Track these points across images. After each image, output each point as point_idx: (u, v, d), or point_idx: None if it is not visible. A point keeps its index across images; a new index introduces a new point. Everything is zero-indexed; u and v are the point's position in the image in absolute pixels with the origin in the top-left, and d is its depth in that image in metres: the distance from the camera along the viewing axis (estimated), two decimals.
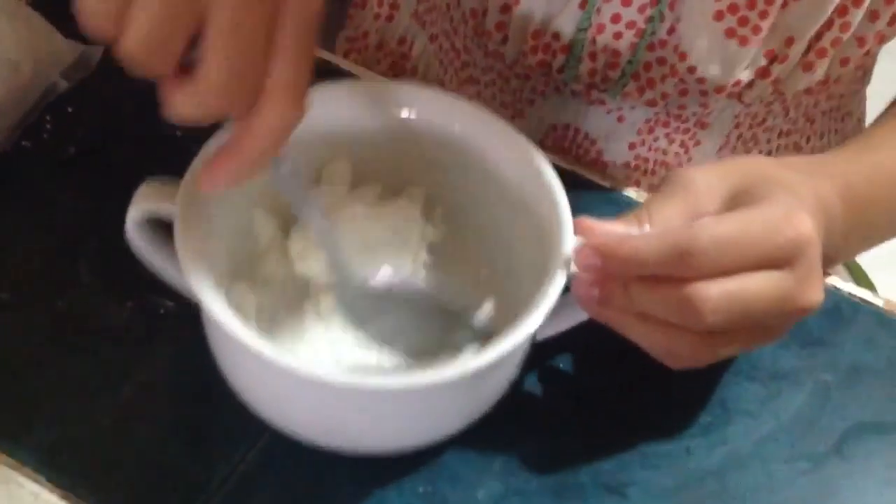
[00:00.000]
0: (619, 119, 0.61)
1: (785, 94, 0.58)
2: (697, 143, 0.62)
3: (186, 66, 0.35)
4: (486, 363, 0.40)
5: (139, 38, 0.33)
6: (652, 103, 0.59)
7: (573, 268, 0.43)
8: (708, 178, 0.44)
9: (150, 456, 0.46)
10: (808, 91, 0.58)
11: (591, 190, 0.58)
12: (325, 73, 0.62)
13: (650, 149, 0.62)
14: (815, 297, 0.42)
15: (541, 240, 0.45)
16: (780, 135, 0.63)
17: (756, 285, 0.41)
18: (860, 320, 0.53)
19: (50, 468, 0.45)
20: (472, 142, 0.49)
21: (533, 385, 0.49)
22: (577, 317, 0.45)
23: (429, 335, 0.48)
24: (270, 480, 0.45)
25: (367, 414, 0.44)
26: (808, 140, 0.64)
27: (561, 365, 0.50)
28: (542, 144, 0.62)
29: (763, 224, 0.41)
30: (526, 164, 0.47)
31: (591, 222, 0.43)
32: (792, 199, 0.43)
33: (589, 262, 0.42)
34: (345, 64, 0.63)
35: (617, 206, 0.57)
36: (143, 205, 0.43)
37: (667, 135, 0.61)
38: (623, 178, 0.63)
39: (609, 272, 0.42)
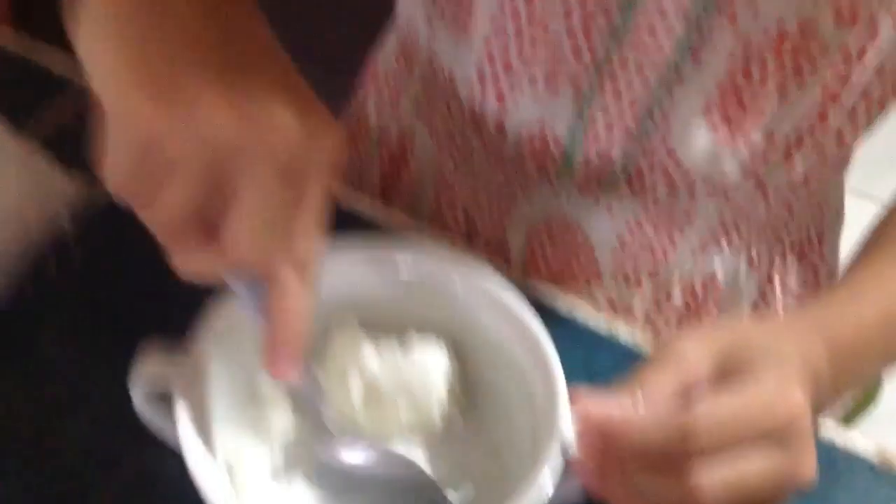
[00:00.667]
0: (609, 210, 0.62)
1: (767, 188, 0.60)
2: (682, 233, 0.63)
3: None
4: None
5: (166, 219, 0.36)
6: (643, 200, 0.60)
7: (572, 444, 0.43)
8: (696, 347, 0.45)
9: None
10: (789, 185, 0.60)
11: (588, 333, 0.59)
12: None
13: (638, 240, 0.64)
14: (809, 471, 0.43)
15: (534, 409, 0.46)
16: (760, 228, 0.64)
17: (755, 469, 0.42)
18: (855, 473, 0.54)
19: None
20: (473, 311, 0.50)
21: None
22: (575, 492, 0.46)
23: None
24: None
25: None
26: (788, 231, 0.66)
27: None
28: (533, 231, 0.65)
29: (757, 401, 0.42)
30: (522, 331, 0.48)
31: (587, 399, 0.44)
32: (781, 369, 0.44)
33: (590, 444, 0.43)
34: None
35: (613, 350, 0.58)
36: (142, 385, 0.44)
37: (655, 227, 0.63)
38: (609, 263, 0.65)
39: (608, 454, 0.43)
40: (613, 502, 0.44)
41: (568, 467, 0.44)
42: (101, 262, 0.59)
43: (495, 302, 0.49)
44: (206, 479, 0.41)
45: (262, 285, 0.40)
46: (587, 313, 0.60)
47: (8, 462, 0.50)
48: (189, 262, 0.37)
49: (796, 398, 0.43)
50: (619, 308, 0.67)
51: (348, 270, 0.49)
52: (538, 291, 0.60)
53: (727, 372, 0.44)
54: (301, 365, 0.41)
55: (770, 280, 0.68)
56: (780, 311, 0.69)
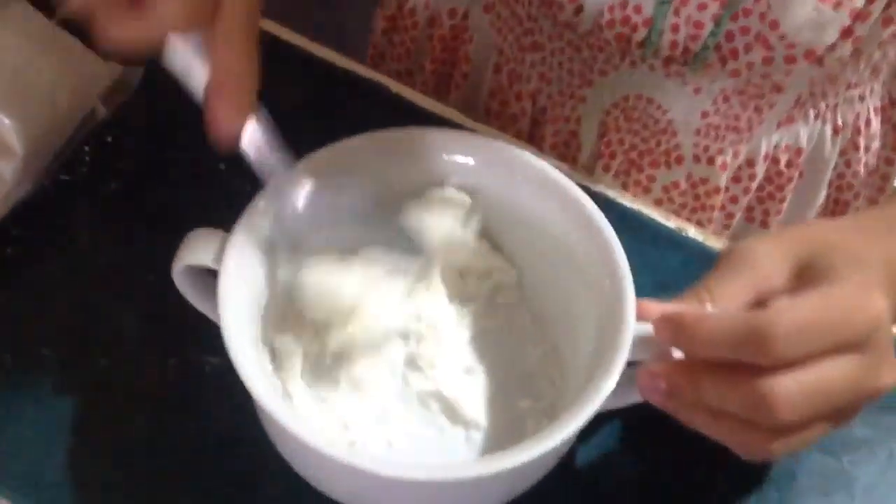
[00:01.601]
0: (696, 91, 0.59)
1: (861, 51, 0.57)
2: (772, 106, 0.61)
3: None
4: (543, 451, 0.38)
5: None
6: (735, 74, 0.57)
7: (636, 349, 0.41)
8: (770, 251, 0.42)
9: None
10: (879, 44, 0.58)
11: (652, 230, 0.55)
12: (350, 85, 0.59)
13: (723, 115, 0.61)
14: (889, 379, 0.40)
15: (600, 316, 0.43)
16: (847, 87, 0.62)
17: (833, 376, 0.39)
18: None
19: None
20: (530, 202, 0.46)
21: (581, 456, 0.47)
22: (636, 397, 0.43)
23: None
24: None
25: (416, 495, 0.42)
26: (871, 90, 0.64)
27: (613, 437, 0.48)
28: (608, 115, 0.62)
29: (837, 308, 0.39)
30: (589, 232, 0.45)
31: (654, 304, 0.41)
32: (861, 273, 0.40)
33: (664, 338, 0.40)
34: (381, 78, 0.59)
35: (678, 248, 0.54)
36: (188, 257, 0.43)
37: (741, 102, 0.60)
38: (691, 144, 0.62)
39: (677, 361, 0.40)
40: (679, 417, 0.41)
41: (631, 375, 0.41)
42: (137, 150, 0.56)
43: (557, 194, 0.46)
44: (245, 361, 0.40)
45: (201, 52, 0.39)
46: (657, 213, 0.56)
47: (49, 358, 0.48)
48: (121, 30, 0.36)
49: (878, 305, 0.39)
50: (700, 188, 0.64)
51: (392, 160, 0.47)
52: (605, 188, 0.56)
53: (805, 279, 0.41)
54: (246, 118, 0.40)
55: (855, 145, 0.64)
56: (862, 174, 0.66)
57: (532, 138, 0.65)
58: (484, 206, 0.48)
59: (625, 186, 0.65)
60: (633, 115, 0.62)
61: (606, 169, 0.64)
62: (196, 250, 0.43)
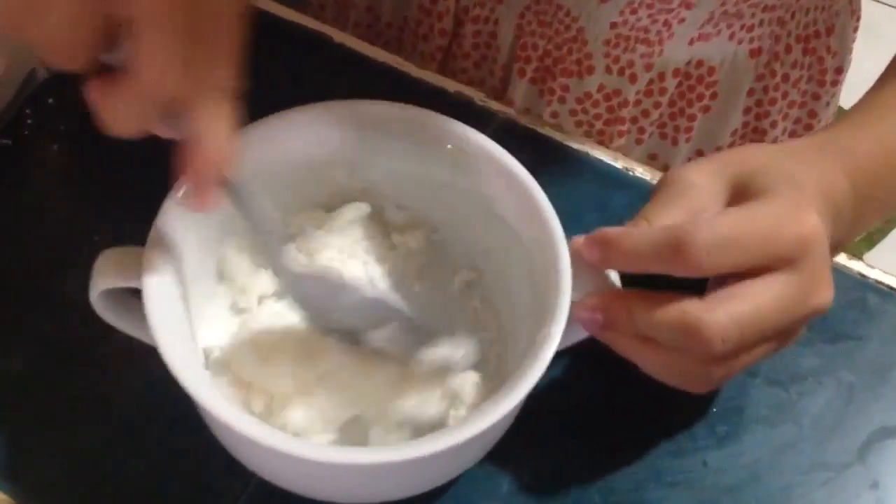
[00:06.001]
0: (603, 0, 0.59)
1: None
2: (682, 21, 0.60)
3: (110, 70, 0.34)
4: (486, 426, 0.37)
5: (49, 32, 0.32)
6: None
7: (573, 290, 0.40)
8: (704, 176, 0.42)
9: (145, 486, 0.44)
10: None
11: (598, 171, 0.55)
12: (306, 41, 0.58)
13: (632, 27, 0.61)
14: (825, 296, 0.40)
15: (533, 267, 0.43)
16: (764, 9, 0.61)
17: (764, 301, 0.39)
18: (888, 311, 0.51)
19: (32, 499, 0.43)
20: (449, 170, 0.46)
21: (539, 400, 0.47)
22: (578, 335, 0.43)
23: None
24: None
25: (361, 479, 0.41)
26: (792, 16, 0.63)
27: (566, 376, 0.48)
28: (523, 18, 0.63)
29: (766, 220, 0.39)
30: (510, 186, 0.44)
31: (580, 237, 0.42)
32: (795, 192, 0.40)
33: (592, 258, 0.41)
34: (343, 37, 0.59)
35: (625, 188, 0.54)
36: (104, 281, 0.40)
37: (650, 15, 0.59)
38: (601, 55, 0.63)
39: (612, 291, 0.41)
40: (619, 350, 0.41)
41: (570, 315, 0.41)
42: (79, 111, 0.55)
43: (477, 155, 0.45)
44: (182, 367, 0.38)
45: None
46: (603, 153, 0.56)
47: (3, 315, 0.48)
48: (107, 114, 0.35)
49: (810, 220, 0.39)
50: (614, 100, 0.64)
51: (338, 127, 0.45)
52: (550, 131, 0.56)
53: (739, 200, 0.41)
54: (219, 192, 0.38)
55: (772, 72, 0.63)
56: (781, 103, 0.66)
57: (456, 36, 0.66)
58: (404, 176, 0.47)
59: (541, 94, 0.66)
60: (545, 20, 0.62)
61: (522, 74, 0.65)
62: (112, 273, 0.40)
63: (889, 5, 1.89)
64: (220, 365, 0.44)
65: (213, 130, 0.36)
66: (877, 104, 0.49)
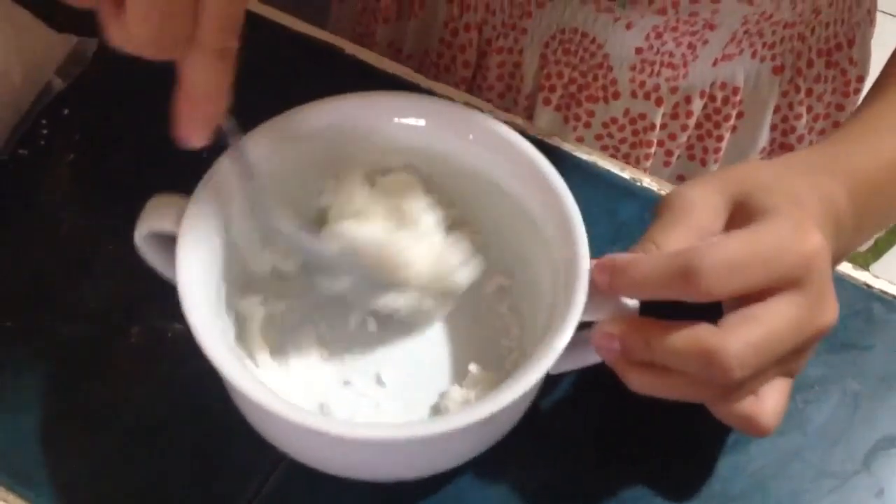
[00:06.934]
0: (628, 26, 0.60)
1: None
2: (705, 43, 0.61)
3: None
4: (497, 408, 0.39)
5: None
6: (661, 11, 0.58)
7: (592, 309, 0.41)
8: (705, 195, 0.43)
9: (158, 490, 0.45)
10: None
11: (607, 181, 0.55)
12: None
13: (657, 52, 0.61)
14: (831, 315, 0.41)
15: (556, 274, 0.44)
16: (784, 26, 0.62)
17: (778, 325, 0.39)
18: (894, 321, 0.51)
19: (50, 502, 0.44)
20: (484, 163, 0.47)
21: (547, 406, 0.48)
22: (593, 358, 0.43)
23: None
24: None
25: (379, 455, 0.43)
26: (812, 31, 0.63)
27: (576, 386, 0.48)
28: (547, 47, 0.63)
29: (770, 243, 0.39)
30: (543, 190, 0.45)
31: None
32: (797, 209, 0.41)
33: (602, 284, 0.41)
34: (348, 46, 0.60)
35: (633, 198, 0.55)
36: (148, 223, 0.43)
37: (675, 39, 0.60)
38: (627, 80, 0.63)
39: (631, 319, 0.41)
40: (628, 380, 0.41)
41: (584, 336, 0.41)
42: (94, 122, 0.56)
43: (511, 153, 0.46)
44: (204, 327, 0.40)
45: None
46: (611, 164, 0.56)
47: (11, 329, 0.49)
48: (111, 36, 0.35)
49: (813, 239, 0.40)
50: (639, 124, 0.64)
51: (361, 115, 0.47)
52: (560, 142, 0.56)
53: (741, 219, 0.41)
54: (211, 128, 0.39)
55: (796, 87, 0.64)
56: (807, 117, 0.66)
57: (479, 67, 0.67)
58: (437, 169, 0.48)
59: (566, 120, 0.66)
60: (570, 48, 0.63)
61: (547, 102, 0.65)
62: (157, 216, 0.43)
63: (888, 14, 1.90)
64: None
65: (203, 79, 0.37)
66: (870, 116, 0.49)
